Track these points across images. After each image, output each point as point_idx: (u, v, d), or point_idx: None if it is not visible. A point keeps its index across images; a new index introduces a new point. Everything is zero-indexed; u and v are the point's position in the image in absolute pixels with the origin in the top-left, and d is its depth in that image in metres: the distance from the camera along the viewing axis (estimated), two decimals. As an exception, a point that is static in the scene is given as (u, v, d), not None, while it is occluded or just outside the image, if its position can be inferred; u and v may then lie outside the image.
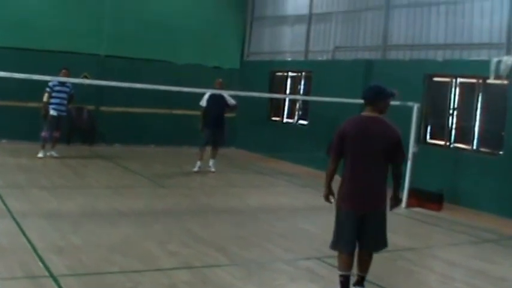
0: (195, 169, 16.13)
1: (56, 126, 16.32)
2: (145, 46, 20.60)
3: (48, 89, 16.05)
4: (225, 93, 15.95)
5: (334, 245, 6.91)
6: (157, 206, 11.88)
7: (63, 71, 15.80)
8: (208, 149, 16.37)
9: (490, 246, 11.05)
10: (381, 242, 6.88)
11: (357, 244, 6.84)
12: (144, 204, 11.85)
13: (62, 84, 16.01)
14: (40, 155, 16.16)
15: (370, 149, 6.66)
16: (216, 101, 15.91)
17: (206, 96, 15.99)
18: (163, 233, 9.73)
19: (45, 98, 16.13)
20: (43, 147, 16.25)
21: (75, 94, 16.72)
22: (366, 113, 6.83)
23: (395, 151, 6.68)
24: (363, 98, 6.93)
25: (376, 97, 6.80)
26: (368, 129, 6.70)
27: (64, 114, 16.53)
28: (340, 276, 6.90)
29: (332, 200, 7.06)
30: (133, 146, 20.09)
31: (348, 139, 6.77)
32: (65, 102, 16.42)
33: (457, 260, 9.73)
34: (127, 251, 8.41)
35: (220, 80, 16.58)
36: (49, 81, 15.34)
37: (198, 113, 16.63)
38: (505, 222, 12.73)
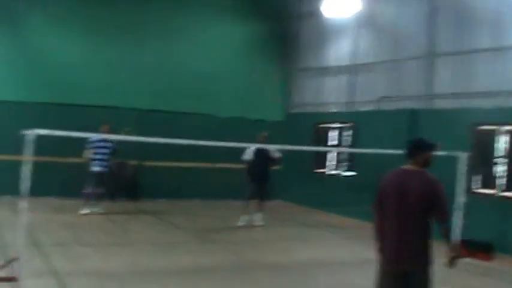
0: (241, 223, 15.95)
1: (99, 182, 16.28)
2: (187, 99, 20.67)
3: (88, 146, 16.04)
4: (270, 147, 15.82)
5: None
6: (204, 263, 11.63)
7: (105, 126, 15.75)
8: (253, 202, 16.21)
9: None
10: None
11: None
12: (190, 261, 11.65)
13: (104, 139, 16.01)
14: (84, 211, 16.08)
15: (405, 205, 6.35)
16: (261, 154, 15.84)
17: (251, 150, 15.90)
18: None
19: (86, 154, 16.13)
20: (86, 203, 16.19)
21: (118, 149, 16.68)
22: (407, 166, 6.58)
23: (434, 206, 6.34)
24: (404, 151, 6.72)
25: (415, 150, 6.58)
26: (404, 184, 6.43)
27: (107, 170, 16.46)
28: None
29: None
30: (177, 200, 19.97)
31: (385, 194, 6.58)
32: (107, 157, 16.40)
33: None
34: (175, 311, 8.22)
35: (265, 133, 16.38)
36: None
37: (241, 166, 16.54)
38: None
